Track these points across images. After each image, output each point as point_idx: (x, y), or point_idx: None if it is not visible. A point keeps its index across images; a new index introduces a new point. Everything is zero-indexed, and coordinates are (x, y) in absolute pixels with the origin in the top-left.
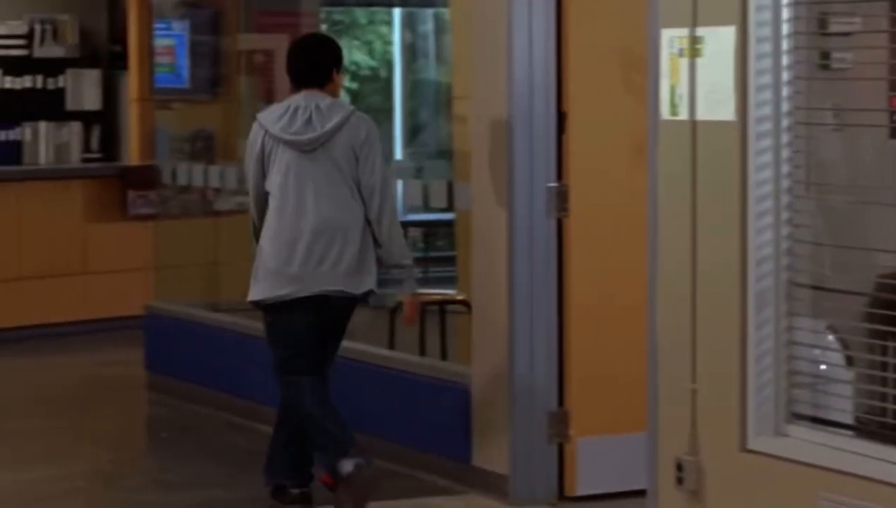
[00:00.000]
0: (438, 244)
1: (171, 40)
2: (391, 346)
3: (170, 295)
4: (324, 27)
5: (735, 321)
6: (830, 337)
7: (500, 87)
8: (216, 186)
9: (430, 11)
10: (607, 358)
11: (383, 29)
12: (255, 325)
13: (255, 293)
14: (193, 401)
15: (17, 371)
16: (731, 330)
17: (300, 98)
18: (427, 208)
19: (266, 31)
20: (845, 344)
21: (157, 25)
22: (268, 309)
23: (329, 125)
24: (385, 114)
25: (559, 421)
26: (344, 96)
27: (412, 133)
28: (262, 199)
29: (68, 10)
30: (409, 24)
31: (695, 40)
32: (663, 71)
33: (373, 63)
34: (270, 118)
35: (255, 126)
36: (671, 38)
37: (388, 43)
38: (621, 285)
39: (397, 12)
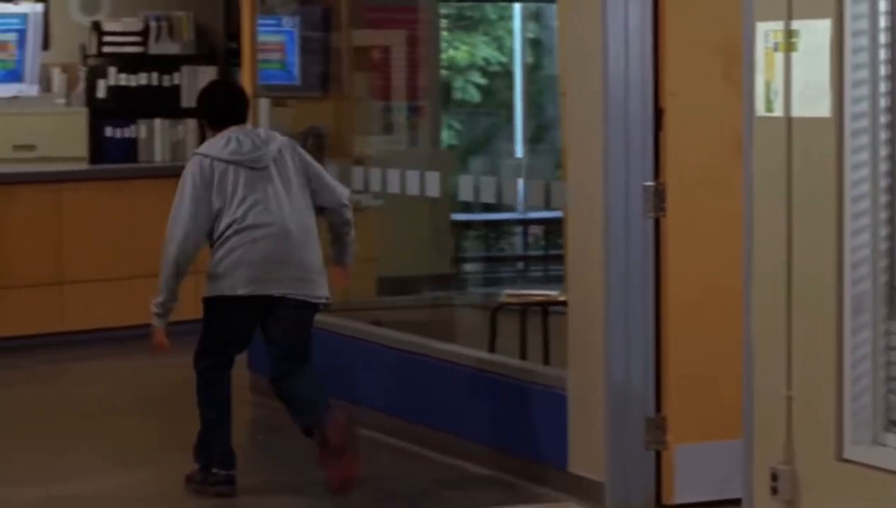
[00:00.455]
0: (559, 242)
1: (281, 36)
2: (492, 348)
3: None
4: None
5: (831, 325)
6: None
7: (595, 83)
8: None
9: (552, 6)
10: (705, 362)
11: (506, 24)
12: (357, 327)
13: (216, 289)
14: None
15: (126, 370)
16: (827, 335)
17: (234, 131)
18: (548, 206)
19: (380, 27)
20: None
21: (266, 21)
22: (222, 303)
23: (273, 146)
24: (508, 110)
25: (656, 427)
26: (475, 93)
27: (533, 130)
28: (207, 226)
29: (184, 6)
30: (531, 18)
31: (790, 34)
32: (758, 65)
33: (503, 59)
34: (216, 148)
35: (194, 159)
36: (766, 32)
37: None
38: (720, 287)
39: (517, 7)
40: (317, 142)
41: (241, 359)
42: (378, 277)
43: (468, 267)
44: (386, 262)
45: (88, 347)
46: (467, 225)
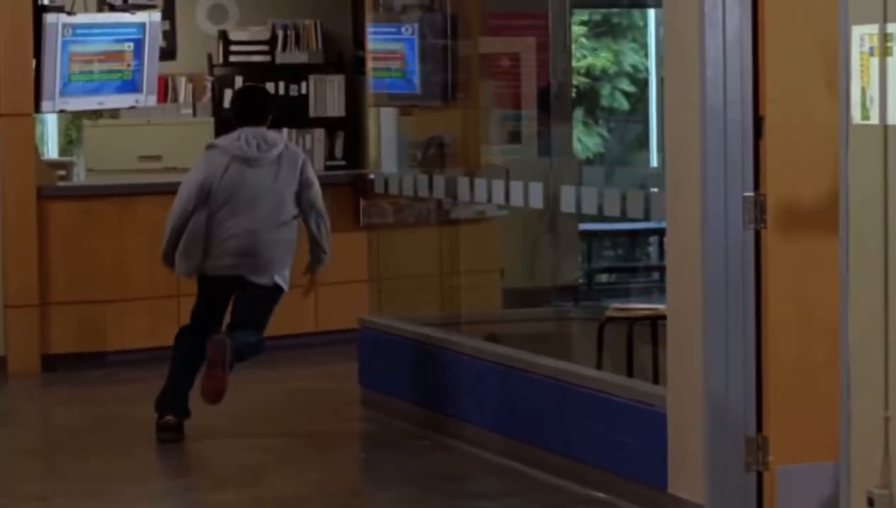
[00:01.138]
0: None
1: (401, 44)
2: (599, 365)
3: (392, 309)
4: (580, 30)
5: None
6: None
7: (693, 90)
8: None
9: None
10: (808, 380)
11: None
12: (466, 343)
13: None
14: (402, 419)
15: (234, 385)
16: None
17: (247, 131)
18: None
19: (506, 35)
20: None
21: (385, 29)
22: (209, 279)
23: (275, 150)
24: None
25: (757, 447)
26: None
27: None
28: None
29: (312, 14)
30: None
31: (886, 38)
32: (854, 71)
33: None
34: (228, 142)
35: (214, 151)
36: (861, 36)
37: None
38: (823, 301)
39: (652, 13)
40: (438, 152)
41: (353, 374)
42: (504, 289)
43: (598, 278)
44: (511, 274)
45: None
46: (597, 235)
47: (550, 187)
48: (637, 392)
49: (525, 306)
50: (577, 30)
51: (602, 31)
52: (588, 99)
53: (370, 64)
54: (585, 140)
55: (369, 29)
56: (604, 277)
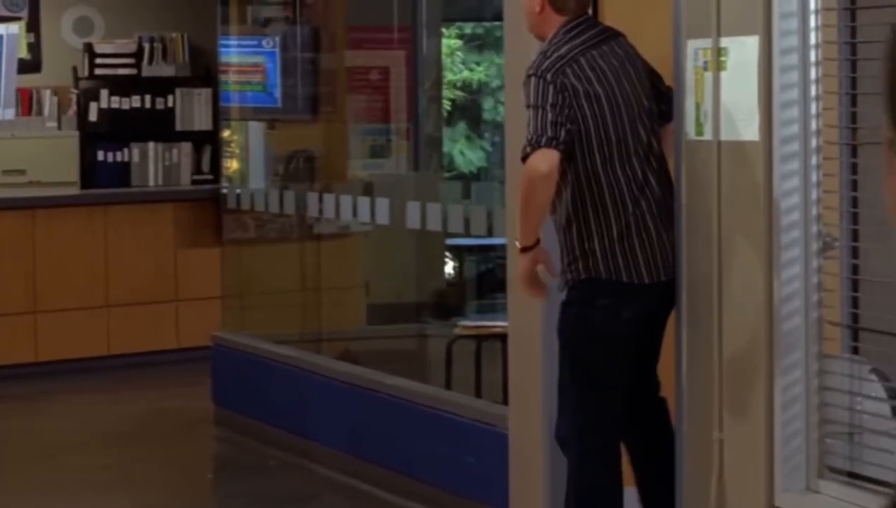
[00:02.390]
0: None
1: (262, 57)
2: (447, 383)
3: (253, 326)
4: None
5: (762, 363)
6: (875, 383)
7: None
8: (298, 211)
9: None
10: None
11: None
12: (317, 361)
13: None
14: (255, 438)
15: (97, 402)
16: (758, 374)
17: None
18: None
19: (372, 48)
20: (894, 392)
21: (246, 42)
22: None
23: None
24: None
25: None
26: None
27: None
28: None
29: (179, 28)
30: None
31: (720, 52)
32: (688, 86)
33: None
34: None
35: None
36: (696, 50)
37: None
38: None
39: None
40: (302, 166)
41: (207, 391)
42: (369, 305)
43: (463, 293)
44: (377, 289)
45: (63, 378)
46: (467, 249)
47: (404, 202)
48: (480, 412)
49: (390, 322)
50: (452, 43)
51: (482, 44)
52: (470, 113)
53: (230, 77)
54: (469, 154)
55: (229, 42)
56: (474, 293)
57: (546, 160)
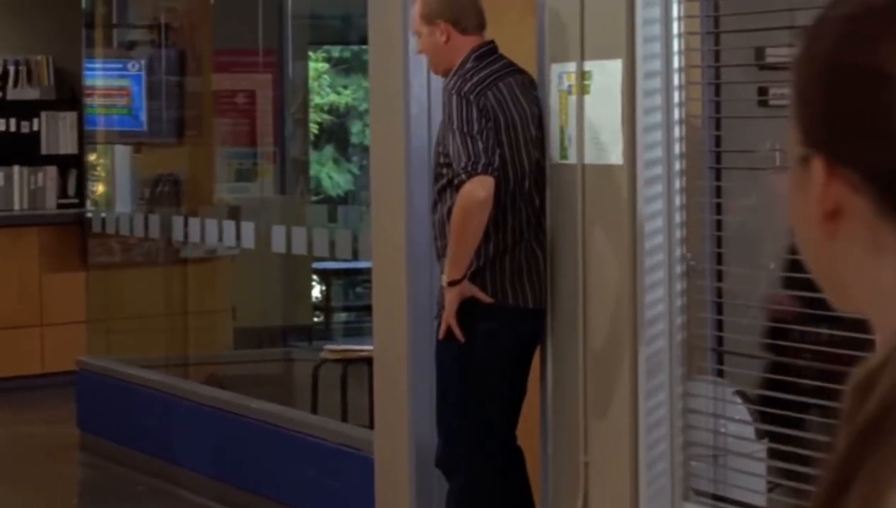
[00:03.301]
0: None
1: (127, 81)
2: (314, 408)
3: (118, 351)
4: (323, 66)
5: (627, 386)
6: (739, 405)
7: (397, 127)
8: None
9: None
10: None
11: None
12: (182, 386)
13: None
14: (121, 464)
15: None
16: (623, 396)
17: None
18: None
19: (242, 71)
20: (757, 414)
21: (111, 65)
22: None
23: None
24: None
25: None
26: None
27: None
28: None
29: (44, 50)
30: None
31: (583, 76)
32: (553, 110)
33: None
34: None
35: None
36: (560, 74)
37: None
38: None
39: None
40: (168, 190)
41: (73, 416)
42: (236, 328)
43: (335, 317)
44: (244, 313)
45: None
46: (334, 273)
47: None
48: (346, 436)
49: (257, 346)
50: (319, 66)
51: (349, 67)
52: (338, 136)
53: (95, 100)
54: (336, 177)
55: (95, 65)
56: (342, 316)
57: (484, 186)
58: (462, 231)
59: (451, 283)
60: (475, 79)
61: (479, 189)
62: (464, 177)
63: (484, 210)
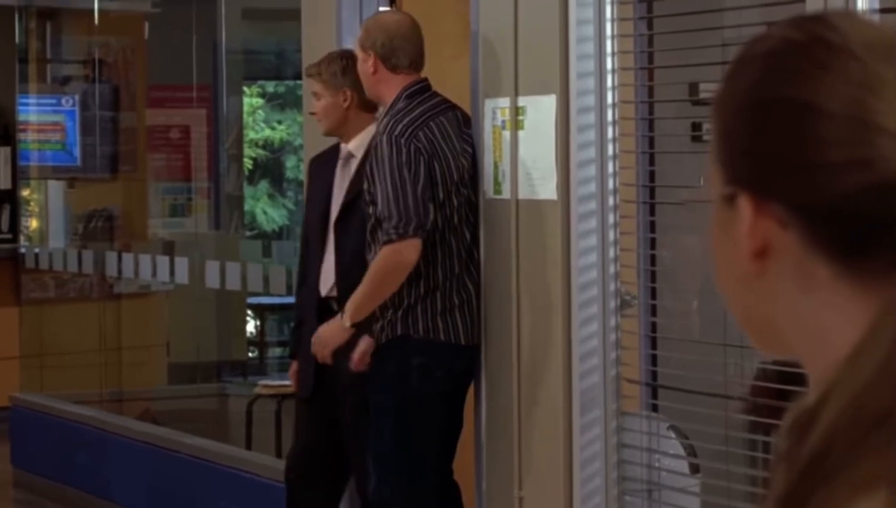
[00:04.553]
0: None
1: (61, 116)
2: (248, 443)
3: (51, 386)
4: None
5: (561, 421)
6: (673, 440)
7: None
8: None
9: None
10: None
11: None
12: (115, 422)
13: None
14: (56, 501)
15: None
16: (557, 431)
17: None
18: None
19: (176, 107)
20: (692, 449)
21: (45, 100)
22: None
23: None
24: None
25: None
26: None
27: None
28: None
29: None
30: None
31: (517, 111)
32: (486, 145)
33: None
34: None
35: None
36: (493, 109)
37: None
38: None
39: None
40: (101, 225)
41: (6, 453)
42: (171, 364)
43: (271, 352)
44: (179, 348)
45: None
46: (270, 308)
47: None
48: (280, 471)
49: (192, 381)
50: (254, 101)
51: (284, 102)
52: (272, 171)
53: (28, 136)
54: (271, 212)
55: (28, 100)
56: (277, 351)
57: (415, 250)
58: (380, 286)
59: (353, 325)
60: (406, 120)
61: (410, 252)
62: (394, 236)
63: (408, 271)
